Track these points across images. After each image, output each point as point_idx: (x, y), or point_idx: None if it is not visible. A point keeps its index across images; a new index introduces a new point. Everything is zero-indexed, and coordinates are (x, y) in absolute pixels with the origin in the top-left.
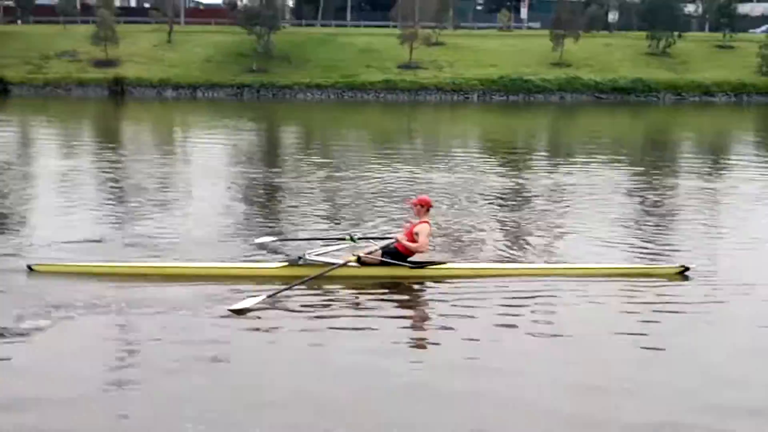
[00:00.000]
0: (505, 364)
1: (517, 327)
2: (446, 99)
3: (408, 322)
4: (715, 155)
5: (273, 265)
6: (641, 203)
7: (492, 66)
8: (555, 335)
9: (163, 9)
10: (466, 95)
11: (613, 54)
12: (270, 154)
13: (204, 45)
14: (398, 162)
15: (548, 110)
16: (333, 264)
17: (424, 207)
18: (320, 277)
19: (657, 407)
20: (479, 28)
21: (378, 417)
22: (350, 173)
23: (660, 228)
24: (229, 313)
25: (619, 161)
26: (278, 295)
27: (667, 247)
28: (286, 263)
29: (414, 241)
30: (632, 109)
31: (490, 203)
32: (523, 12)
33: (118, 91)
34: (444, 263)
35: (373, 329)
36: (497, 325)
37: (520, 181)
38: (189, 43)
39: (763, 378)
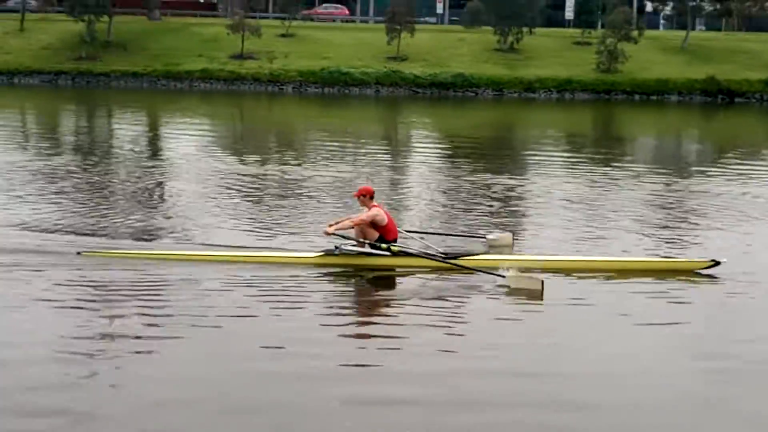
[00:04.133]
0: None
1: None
2: (261, 89)
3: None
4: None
5: (310, 254)
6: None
7: (325, 58)
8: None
9: None
10: (281, 86)
11: (458, 49)
12: None
13: (52, 33)
14: None
15: (363, 103)
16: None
17: (366, 195)
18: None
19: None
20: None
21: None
22: None
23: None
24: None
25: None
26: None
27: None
28: (323, 253)
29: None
30: (441, 104)
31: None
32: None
33: None
34: (478, 254)
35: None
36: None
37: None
38: (39, 31)
39: None
